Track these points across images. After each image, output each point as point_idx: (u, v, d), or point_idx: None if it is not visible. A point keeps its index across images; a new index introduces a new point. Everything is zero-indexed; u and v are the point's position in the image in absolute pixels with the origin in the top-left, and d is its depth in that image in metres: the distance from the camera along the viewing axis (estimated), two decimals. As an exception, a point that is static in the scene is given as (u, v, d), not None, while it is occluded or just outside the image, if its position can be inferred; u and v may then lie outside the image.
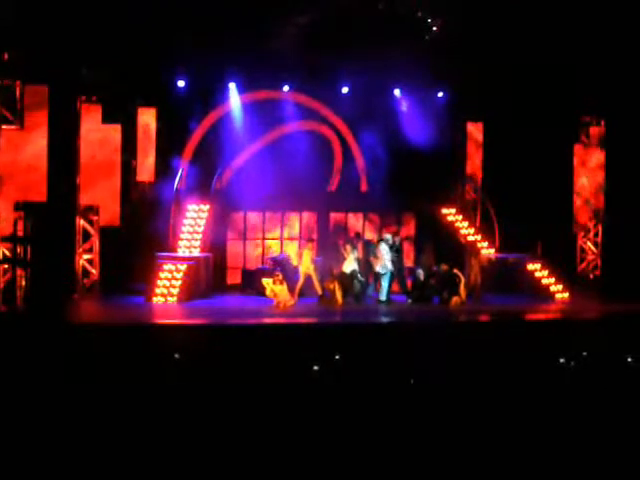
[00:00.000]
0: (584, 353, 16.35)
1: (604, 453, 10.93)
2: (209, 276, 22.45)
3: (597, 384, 14.19)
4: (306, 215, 24.98)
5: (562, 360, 15.70)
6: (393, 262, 21.59)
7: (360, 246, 22.75)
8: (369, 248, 22.52)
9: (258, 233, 24.71)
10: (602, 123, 25.07)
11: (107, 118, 21.55)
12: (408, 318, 19.81)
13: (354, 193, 25.58)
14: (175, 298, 20.53)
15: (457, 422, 11.90)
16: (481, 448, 11.01)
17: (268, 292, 20.47)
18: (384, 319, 19.90)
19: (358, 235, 23.84)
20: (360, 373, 14.53)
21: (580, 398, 13.22)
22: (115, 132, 21.72)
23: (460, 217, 25.21)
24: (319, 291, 21.24)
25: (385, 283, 21.32)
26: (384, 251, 21.41)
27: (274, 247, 24.34)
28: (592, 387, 14.00)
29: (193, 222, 22.67)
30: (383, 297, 21.27)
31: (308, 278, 21.47)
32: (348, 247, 21.57)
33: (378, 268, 21.45)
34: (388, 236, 22.17)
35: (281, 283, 20.39)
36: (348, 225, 25.15)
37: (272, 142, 24.89)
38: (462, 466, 10.52)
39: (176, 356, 14.98)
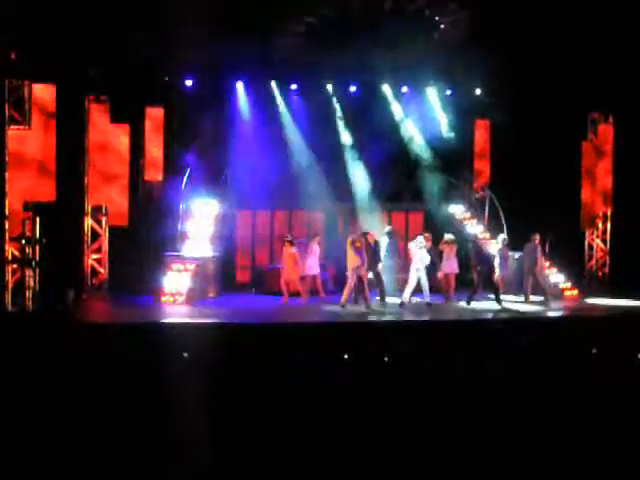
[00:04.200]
0: (593, 351, 16.33)
1: (614, 451, 10.91)
2: (218, 275, 22.45)
3: (607, 382, 14.16)
4: (314, 213, 24.97)
5: (570, 358, 15.69)
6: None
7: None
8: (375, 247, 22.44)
9: (267, 232, 24.73)
10: (610, 120, 25.00)
11: (115, 117, 21.58)
12: (414, 317, 19.75)
13: (363, 192, 25.60)
14: (183, 297, 20.52)
15: (467, 421, 11.88)
16: (491, 445, 11.00)
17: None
18: (390, 318, 19.77)
19: (365, 234, 23.72)
20: (371, 372, 14.54)
21: (590, 396, 13.20)
22: (123, 131, 21.75)
23: (468, 215, 25.21)
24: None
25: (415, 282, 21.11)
26: (416, 252, 21.10)
27: None
28: (602, 385, 13.97)
29: (201, 221, 22.66)
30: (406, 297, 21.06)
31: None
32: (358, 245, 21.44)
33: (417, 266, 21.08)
34: (420, 238, 21.40)
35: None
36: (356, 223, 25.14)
37: (280, 140, 24.90)
38: (471, 465, 10.51)
39: (185, 355, 15.00)
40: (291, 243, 21.19)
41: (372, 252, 20.84)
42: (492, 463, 10.64)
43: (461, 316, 19.85)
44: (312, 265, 21.42)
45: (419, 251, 21.04)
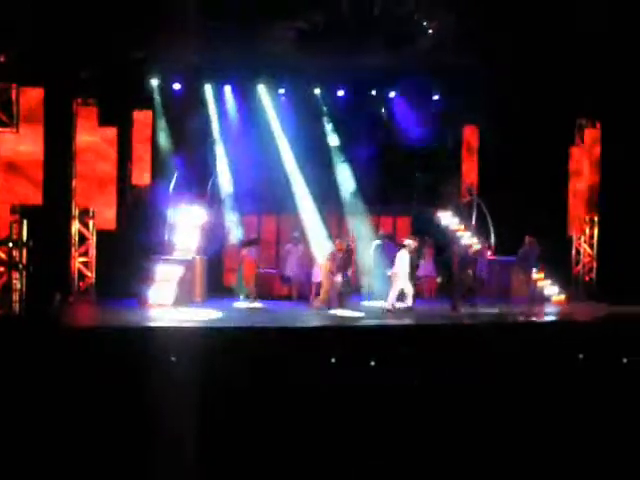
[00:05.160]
0: (580, 355, 16.39)
1: (602, 454, 10.95)
2: (205, 278, 22.42)
3: (594, 386, 14.22)
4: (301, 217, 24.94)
5: (558, 363, 15.73)
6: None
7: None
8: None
9: (254, 235, 24.70)
10: (597, 125, 25.05)
11: (103, 121, 21.52)
12: (405, 320, 19.77)
13: (350, 195, 25.61)
14: (171, 301, 20.50)
15: (457, 424, 11.91)
16: (480, 451, 11.02)
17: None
18: (376, 322, 19.76)
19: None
20: (358, 376, 14.55)
21: (577, 400, 13.25)
22: (111, 135, 21.67)
23: (456, 220, 25.25)
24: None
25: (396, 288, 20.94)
26: (403, 257, 20.75)
27: None
28: (589, 389, 14.02)
29: (189, 225, 22.62)
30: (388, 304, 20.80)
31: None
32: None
33: (396, 271, 20.74)
34: (410, 241, 21.05)
35: None
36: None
37: (268, 144, 24.88)
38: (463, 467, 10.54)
39: (172, 359, 14.99)
40: (246, 244, 21.40)
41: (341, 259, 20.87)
42: (477, 467, 10.67)
43: (447, 320, 19.90)
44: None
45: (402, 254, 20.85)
